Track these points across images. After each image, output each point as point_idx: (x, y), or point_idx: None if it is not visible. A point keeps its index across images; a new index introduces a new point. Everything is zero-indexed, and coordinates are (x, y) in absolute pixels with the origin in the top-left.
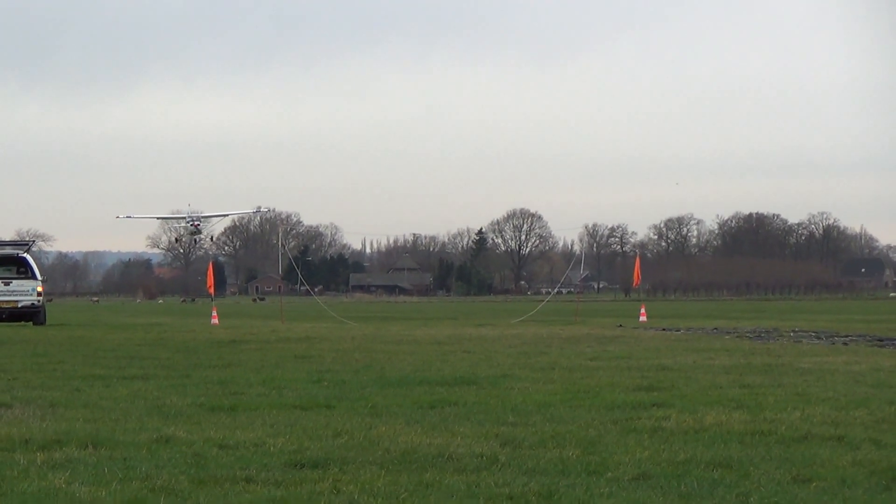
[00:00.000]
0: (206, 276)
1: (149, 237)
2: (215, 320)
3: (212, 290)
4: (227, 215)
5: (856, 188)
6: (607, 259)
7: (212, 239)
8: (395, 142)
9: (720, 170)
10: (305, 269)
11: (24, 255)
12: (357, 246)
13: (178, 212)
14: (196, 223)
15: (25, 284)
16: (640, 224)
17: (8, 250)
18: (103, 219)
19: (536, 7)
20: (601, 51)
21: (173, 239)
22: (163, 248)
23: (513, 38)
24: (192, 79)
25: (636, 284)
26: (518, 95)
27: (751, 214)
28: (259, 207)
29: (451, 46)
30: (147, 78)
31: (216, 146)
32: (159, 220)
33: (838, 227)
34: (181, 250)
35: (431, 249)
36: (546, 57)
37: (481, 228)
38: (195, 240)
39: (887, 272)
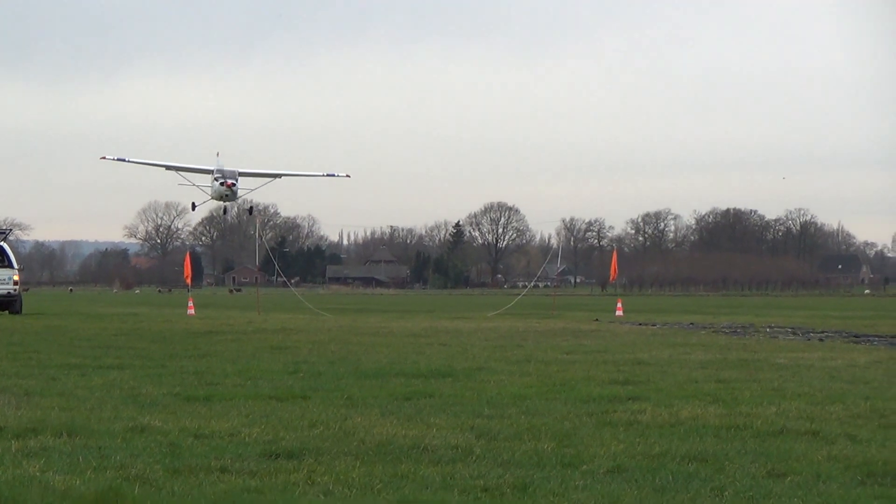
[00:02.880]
0: (183, 267)
1: (126, 227)
2: (192, 311)
3: (189, 281)
4: (280, 176)
5: (834, 184)
6: (584, 253)
7: (250, 212)
8: (374, 134)
9: (698, 165)
10: (282, 261)
11: (1, 243)
12: (334, 238)
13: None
14: (229, 182)
15: (1, 273)
16: (618, 218)
17: None
18: (81, 208)
19: (517, 2)
20: (581, 46)
21: (191, 205)
22: (140, 238)
23: (493, 32)
24: (175, 70)
25: (613, 279)
26: (497, 89)
27: (728, 210)
28: (336, 174)
29: (433, 41)
30: (130, 69)
31: (197, 137)
32: (164, 172)
33: (815, 224)
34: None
35: (409, 242)
36: (526, 51)
37: (458, 221)
38: (224, 209)
39: (864, 269)
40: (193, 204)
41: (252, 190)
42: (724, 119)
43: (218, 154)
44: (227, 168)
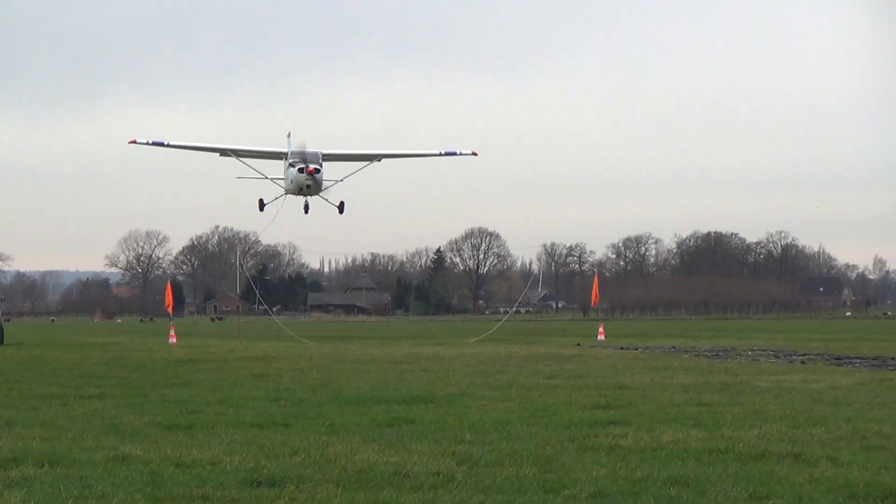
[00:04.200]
0: (164, 296)
1: (107, 256)
2: (173, 339)
3: (170, 310)
4: (380, 158)
5: (814, 206)
6: (566, 278)
7: (340, 210)
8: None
9: (679, 188)
10: (263, 289)
11: None
12: (315, 265)
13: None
14: (311, 168)
15: None
16: (599, 243)
17: None
18: (62, 237)
19: (498, 25)
20: (562, 69)
21: (258, 203)
22: (121, 268)
23: (473, 56)
24: (154, 98)
25: (594, 303)
26: (477, 113)
27: (709, 233)
28: (458, 151)
29: (413, 64)
30: (110, 97)
31: (177, 164)
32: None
33: (796, 246)
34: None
35: (390, 268)
36: (506, 75)
37: (439, 247)
38: (306, 204)
39: (846, 291)
40: (261, 202)
41: (339, 181)
42: (704, 141)
43: (289, 135)
44: (307, 150)
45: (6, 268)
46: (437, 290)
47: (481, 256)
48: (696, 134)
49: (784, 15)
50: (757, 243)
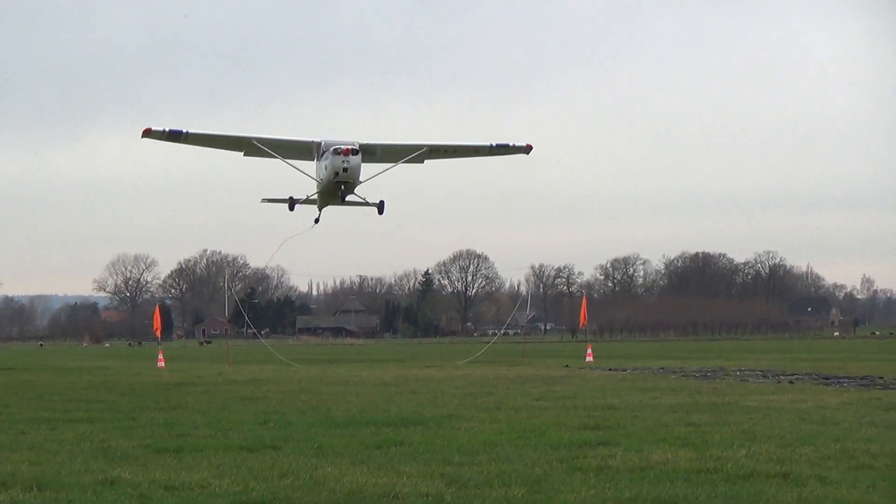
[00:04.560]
0: (153, 320)
1: (95, 280)
2: (162, 363)
3: (158, 334)
4: (429, 152)
5: (802, 227)
6: (554, 300)
7: (380, 210)
8: None
9: (666, 209)
10: (252, 312)
11: None
12: (304, 288)
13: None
14: (347, 148)
15: None
16: (587, 264)
17: None
18: (50, 262)
19: (486, 47)
20: (549, 90)
21: (288, 202)
22: (109, 292)
23: (462, 77)
24: (144, 124)
25: (583, 325)
26: (465, 134)
27: (697, 254)
28: (511, 143)
29: (401, 87)
30: (99, 122)
31: (165, 189)
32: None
33: (784, 266)
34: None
35: (378, 291)
36: (495, 97)
37: (427, 270)
38: (341, 189)
39: (834, 311)
40: (292, 200)
41: (376, 175)
42: (692, 162)
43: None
44: (342, 140)
45: None
46: (425, 313)
47: (469, 278)
48: (684, 155)
49: (770, 38)
50: (745, 263)
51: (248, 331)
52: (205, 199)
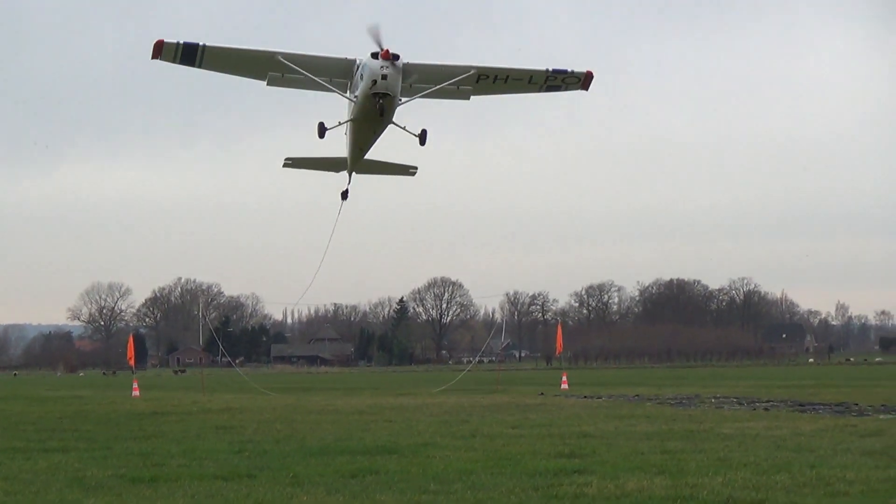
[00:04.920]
0: (127, 349)
1: (69, 309)
2: (136, 392)
3: (132, 363)
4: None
5: (777, 253)
6: (529, 327)
7: (422, 141)
8: (316, 211)
9: (641, 235)
10: (226, 341)
11: None
12: (278, 316)
13: None
14: (386, 51)
15: None
16: (562, 291)
17: None
18: (24, 291)
19: None
20: (523, 116)
21: (318, 128)
22: (83, 321)
23: (440, 107)
24: (115, 151)
25: (558, 352)
26: (438, 160)
27: (671, 280)
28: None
29: None
30: (70, 150)
31: (138, 216)
32: None
33: (759, 293)
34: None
35: (353, 319)
36: (468, 124)
37: (402, 297)
38: (345, 191)
39: (808, 338)
40: (322, 126)
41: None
42: (665, 188)
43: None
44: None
45: None
46: (400, 341)
47: (444, 306)
48: (659, 181)
49: (747, 60)
50: (719, 290)
51: (223, 359)
52: (179, 226)
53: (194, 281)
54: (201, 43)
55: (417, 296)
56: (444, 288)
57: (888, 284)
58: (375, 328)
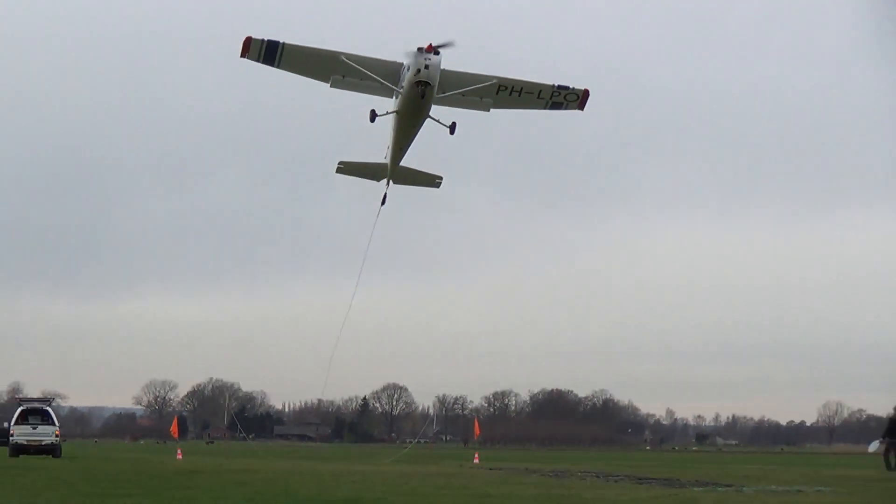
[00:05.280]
0: (172, 426)
1: (134, 397)
2: (179, 456)
3: (175, 435)
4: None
5: (626, 373)
6: (452, 419)
7: (452, 131)
8: (307, 329)
9: (533, 356)
10: (242, 422)
11: (47, 408)
12: (279, 406)
13: None
14: (432, 44)
15: (47, 429)
16: (476, 395)
17: (36, 404)
18: (102, 383)
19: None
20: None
21: (370, 114)
22: (143, 405)
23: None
24: (170, 289)
25: (476, 437)
26: (400, 297)
27: (553, 390)
28: (570, 86)
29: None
30: (142, 284)
31: (182, 331)
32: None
33: (613, 400)
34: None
35: (331, 410)
36: (423, 269)
37: (365, 396)
38: (384, 196)
39: (646, 432)
40: (373, 112)
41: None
42: (550, 324)
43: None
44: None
45: (64, 404)
46: (363, 426)
47: (394, 403)
48: (547, 318)
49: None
50: (585, 397)
51: (240, 435)
52: (210, 339)
53: (221, 380)
54: (282, 41)
55: (376, 395)
56: (394, 390)
57: (701, 397)
58: (346, 416)
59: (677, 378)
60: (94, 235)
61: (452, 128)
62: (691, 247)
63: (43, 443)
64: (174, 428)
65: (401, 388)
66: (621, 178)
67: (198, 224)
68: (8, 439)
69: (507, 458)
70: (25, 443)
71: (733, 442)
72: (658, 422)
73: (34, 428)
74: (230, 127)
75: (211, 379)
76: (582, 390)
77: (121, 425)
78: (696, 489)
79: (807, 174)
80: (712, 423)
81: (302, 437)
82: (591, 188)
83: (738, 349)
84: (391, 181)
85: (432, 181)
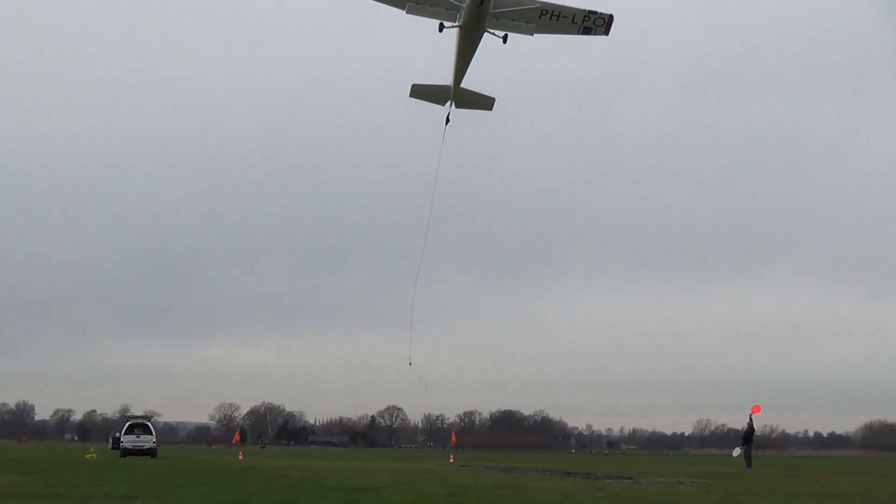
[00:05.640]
0: (235, 435)
1: (209, 415)
2: (241, 457)
3: (236, 441)
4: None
5: (560, 396)
6: (435, 431)
7: (504, 41)
8: (330, 366)
9: (493, 384)
10: (284, 433)
11: (147, 422)
12: (311, 421)
13: None
14: None
15: (147, 437)
16: (452, 413)
17: (139, 420)
18: (188, 404)
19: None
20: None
21: (438, 26)
22: (216, 420)
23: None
24: (240, 335)
25: (452, 444)
26: (391, 351)
27: (506, 410)
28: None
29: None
30: (220, 333)
31: (243, 370)
32: None
33: (549, 417)
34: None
35: (348, 423)
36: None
37: (373, 415)
38: (448, 116)
39: (572, 440)
40: (442, 24)
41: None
42: (500, 361)
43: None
44: None
45: (159, 419)
46: (372, 436)
47: (394, 419)
48: (500, 356)
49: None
50: (529, 415)
51: (284, 442)
52: (264, 376)
53: (271, 402)
54: None
55: (381, 413)
56: (394, 410)
57: (611, 415)
58: (359, 429)
59: (595, 401)
60: (183, 302)
61: (505, 38)
62: (606, 308)
63: (144, 447)
64: (237, 437)
65: (398, 408)
66: (554, 260)
67: (256, 293)
68: (119, 445)
69: (474, 459)
70: (131, 447)
71: (633, 447)
72: (580, 433)
73: (137, 437)
74: (279, 225)
75: (264, 402)
76: (527, 410)
77: (199, 435)
78: (607, 480)
79: (684, 258)
80: (619, 434)
81: (328, 444)
82: (531, 268)
83: (639, 382)
84: (454, 104)
85: (488, 103)
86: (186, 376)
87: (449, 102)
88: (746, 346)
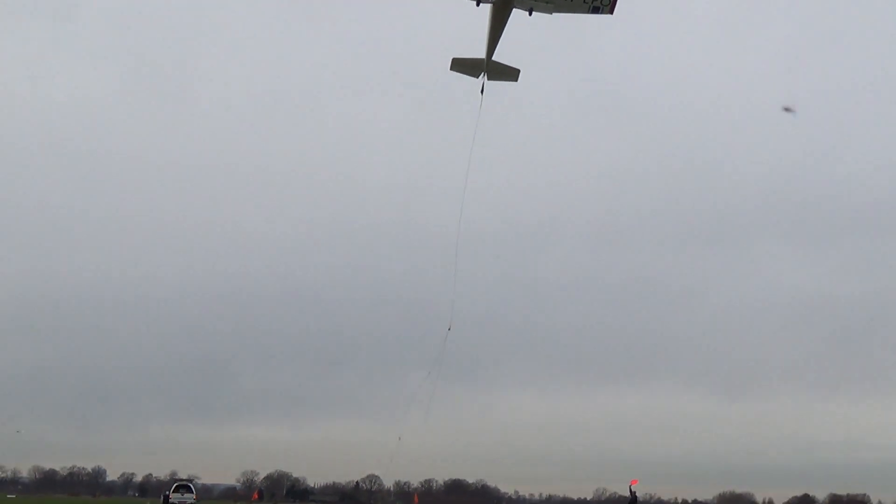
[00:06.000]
0: (253, 494)
1: (236, 478)
2: None
3: (255, 498)
4: None
5: (494, 468)
6: (404, 493)
7: (530, 13)
8: (330, 445)
9: (443, 455)
10: (290, 494)
11: (190, 483)
12: (312, 484)
13: None
14: None
15: (189, 496)
16: (416, 480)
17: (184, 482)
18: (219, 466)
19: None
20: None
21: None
22: (239, 482)
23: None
24: (258, 419)
25: (415, 503)
26: (364, 438)
27: (455, 478)
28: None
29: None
30: (243, 416)
31: (264, 447)
32: None
33: (487, 485)
34: None
35: (339, 486)
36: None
37: (357, 480)
38: (483, 86)
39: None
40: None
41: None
42: (452, 441)
43: None
44: None
45: (199, 481)
46: (356, 496)
47: (372, 484)
48: (450, 437)
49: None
50: (472, 483)
51: (290, 499)
52: (275, 450)
53: (282, 470)
54: None
55: (363, 479)
56: (373, 477)
57: (533, 483)
58: (348, 491)
59: (521, 472)
60: (218, 394)
61: (531, 10)
62: (532, 405)
63: (187, 502)
64: (255, 495)
65: (376, 476)
66: (501, 369)
67: (272, 387)
68: (168, 500)
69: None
70: (177, 502)
71: None
72: (510, 497)
73: (182, 494)
74: (290, 337)
75: (277, 469)
76: (471, 479)
77: (227, 494)
78: None
79: (591, 365)
80: (538, 497)
81: (323, 502)
82: (484, 374)
83: (556, 460)
84: (486, 76)
85: (514, 74)
86: (219, 449)
87: (482, 74)
88: (632, 432)
